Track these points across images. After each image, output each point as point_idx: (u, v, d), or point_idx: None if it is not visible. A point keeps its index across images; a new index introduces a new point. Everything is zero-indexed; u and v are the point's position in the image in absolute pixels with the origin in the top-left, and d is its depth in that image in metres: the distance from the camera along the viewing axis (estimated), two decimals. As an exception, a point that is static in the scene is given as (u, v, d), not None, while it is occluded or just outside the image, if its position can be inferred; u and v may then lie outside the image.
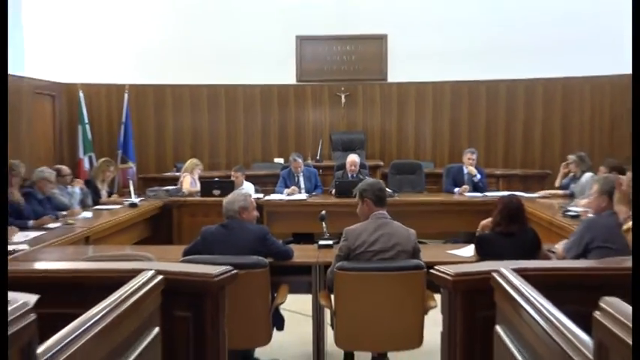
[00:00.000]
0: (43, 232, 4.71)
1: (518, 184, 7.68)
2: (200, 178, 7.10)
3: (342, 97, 9.24)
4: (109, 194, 6.92)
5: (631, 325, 1.30)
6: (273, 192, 7.08)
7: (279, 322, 3.77)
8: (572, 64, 8.85)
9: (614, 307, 1.40)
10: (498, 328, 2.26)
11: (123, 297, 2.06)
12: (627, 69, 8.85)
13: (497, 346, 2.26)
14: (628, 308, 1.39)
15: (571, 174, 6.62)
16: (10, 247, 4.02)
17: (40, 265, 3.57)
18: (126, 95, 8.82)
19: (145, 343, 2.18)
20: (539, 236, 3.72)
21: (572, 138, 9.08)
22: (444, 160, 8.83)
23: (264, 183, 7.54)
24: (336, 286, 3.45)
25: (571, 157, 6.60)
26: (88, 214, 5.72)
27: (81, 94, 8.71)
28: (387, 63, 9.23)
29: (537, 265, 2.75)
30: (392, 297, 3.40)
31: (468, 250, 3.98)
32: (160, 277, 2.39)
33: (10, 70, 7.44)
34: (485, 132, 9.23)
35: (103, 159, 7.24)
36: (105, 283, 2.22)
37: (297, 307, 4.31)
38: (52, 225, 5.00)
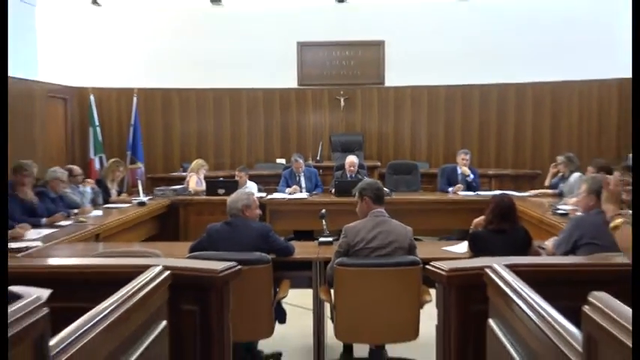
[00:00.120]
0: (56, 230, 4.71)
1: (510, 184, 7.68)
2: (205, 177, 7.10)
3: (342, 100, 9.24)
4: (119, 193, 6.92)
5: (619, 320, 1.30)
6: (276, 191, 7.08)
7: (281, 316, 3.77)
8: (561, 68, 8.87)
9: (603, 302, 1.40)
10: (491, 322, 2.26)
11: (132, 291, 2.06)
12: (614, 74, 8.91)
13: (490, 339, 2.26)
14: (616, 303, 1.39)
15: (560, 174, 6.62)
16: (23, 244, 4.03)
17: (52, 261, 3.57)
18: (135, 99, 8.82)
19: (153, 335, 2.18)
20: (530, 233, 3.72)
21: (560, 139, 9.08)
22: (438, 161, 8.83)
23: (266, 182, 7.54)
24: (336, 281, 3.45)
25: (560, 158, 6.60)
26: (98, 212, 5.73)
27: (92, 98, 8.71)
28: (384, 68, 9.23)
29: (528, 261, 2.75)
30: (389, 291, 3.40)
31: (462, 247, 3.98)
32: (168, 272, 2.39)
33: (24, 75, 7.49)
34: (478, 134, 9.24)
35: (113, 159, 7.24)
36: (114, 279, 2.22)
37: (298, 301, 4.31)
38: (64, 223, 5.00)
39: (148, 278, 2.24)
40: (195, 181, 6.99)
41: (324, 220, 4.32)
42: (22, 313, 1.38)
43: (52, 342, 1.52)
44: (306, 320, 4.14)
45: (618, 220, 1.93)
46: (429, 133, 9.29)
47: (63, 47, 8.76)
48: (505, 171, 8.56)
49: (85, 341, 1.64)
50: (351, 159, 7.15)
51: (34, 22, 7.94)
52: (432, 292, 3.12)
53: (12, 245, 3.97)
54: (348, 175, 7.00)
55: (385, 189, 4.24)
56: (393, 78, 9.20)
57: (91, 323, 1.72)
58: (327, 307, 3.75)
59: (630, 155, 8.15)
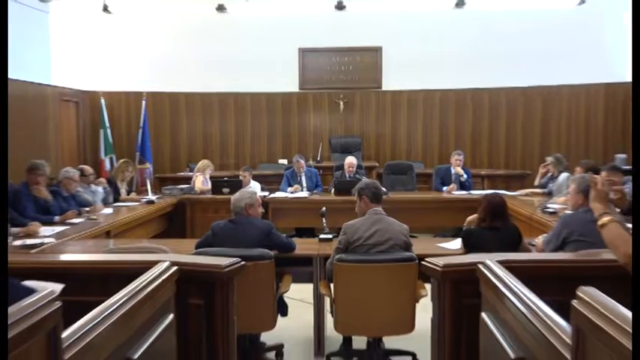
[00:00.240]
0: (68, 227, 4.71)
1: (501, 183, 7.67)
2: (211, 177, 7.09)
3: (341, 103, 9.23)
4: (128, 192, 6.91)
5: (606, 313, 1.30)
6: (278, 190, 7.07)
7: (283, 309, 3.77)
8: (550, 74, 8.87)
9: (591, 296, 1.40)
10: (483, 315, 2.26)
11: (141, 286, 2.06)
12: (600, 79, 8.88)
13: (483, 332, 2.26)
14: (603, 297, 1.39)
15: (549, 174, 6.61)
16: (37, 240, 4.02)
17: (65, 257, 3.58)
18: (143, 102, 8.82)
19: (161, 328, 2.18)
20: (521, 231, 3.71)
21: (550, 141, 9.08)
22: (433, 161, 8.83)
23: (269, 182, 7.53)
24: (335, 276, 3.45)
25: (549, 159, 6.60)
26: (109, 210, 5.72)
27: (102, 101, 8.71)
28: (381, 73, 9.22)
29: (519, 257, 2.75)
30: (386, 286, 3.40)
31: (456, 244, 3.98)
32: (175, 267, 2.39)
33: (38, 79, 7.49)
34: (471, 136, 9.23)
35: (123, 160, 7.24)
36: (124, 273, 2.22)
37: (299, 295, 4.31)
38: (76, 220, 5.00)
39: (156, 273, 2.24)
40: (201, 181, 6.98)
41: (324, 218, 4.31)
42: (36, 306, 1.38)
43: (65, 334, 1.52)
44: (306, 313, 4.14)
45: (605, 218, 1.93)
46: (425, 135, 9.29)
47: (75, 53, 8.76)
48: (497, 171, 8.56)
49: (96, 333, 1.64)
50: (350, 160, 7.15)
51: (48, 29, 7.94)
52: (427, 286, 3.12)
53: (26, 241, 3.98)
54: (347, 175, 7.00)
55: (382, 188, 4.24)
56: (390, 82, 9.20)
57: (102, 316, 1.72)
58: (327, 301, 3.74)
59: (616, 156, 8.18)
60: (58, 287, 2.01)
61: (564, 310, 1.54)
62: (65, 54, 8.44)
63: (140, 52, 9.13)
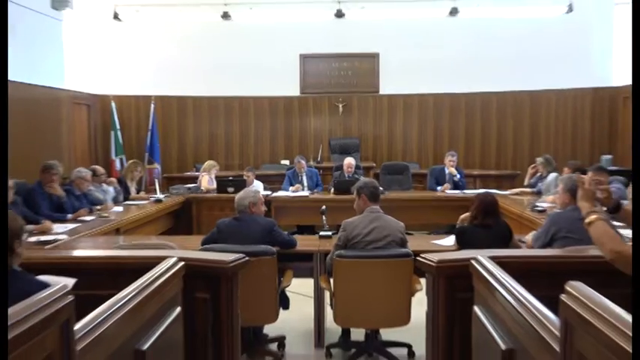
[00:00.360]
0: (80, 224, 4.70)
1: (493, 183, 7.67)
2: (216, 177, 7.09)
3: (340, 107, 9.23)
4: (138, 191, 6.91)
5: (593, 307, 1.30)
6: (280, 189, 7.07)
7: (285, 303, 3.77)
8: (539, 78, 8.87)
9: (578, 290, 1.40)
10: (476, 308, 2.26)
11: (149, 280, 2.06)
12: (587, 83, 8.89)
13: (475, 324, 2.26)
14: (591, 291, 1.38)
15: (538, 174, 6.61)
16: (51, 237, 4.03)
17: (77, 253, 3.57)
18: (152, 105, 8.81)
19: (169, 320, 2.18)
20: (511, 228, 3.71)
21: (539, 143, 9.08)
22: (428, 162, 8.82)
23: (272, 181, 7.53)
24: (335, 271, 3.45)
25: (539, 159, 6.59)
26: (119, 208, 5.71)
27: (113, 104, 8.70)
28: (378, 78, 9.22)
29: (510, 253, 2.75)
30: (383, 281, 3.40)
31: (450, 240, 3.97)
32: (182, 263, 2.39)
33: (52, 83, 7.48)
34: (464, 137, 9.23)
35: (132, 160, 7.23)
36: (134, 269, 2.22)
37: (300, 289, 4.30)
38: (87, 218, 4.99)
39: (164, 268, 2.24)
40: (207, 180, 6.98)
41: (324, 216, 4.31)
42: (49, 300, 1.38)
43: (77, 326, 1.52)
44: (307, 307, 4.14)
45: (592, 216, 1.93)
46: (420, 136, 9.29)
47: (87, 59, 8.75)
48: (488, 171, 8.55)
49: (107, 325, 1.64)
50: (349, 160, 7.15)
51: (61, 35, 7.93)
52: (423, 281, 3.11)
53: (41, 238, 3.98)
54: (346, 175, 7.00)
55: (380, 188, 4.24)
56: (387, 87, 9.20)
57: (113, 309, 1.72)
58: (327, 294, 3.74)
59: (602, 157, 8.18)
60: (70, 282, 2.02)
61: (553, 304, 1.54)
62: (78, 60, 8.44)
63: (149, 57, 9.13)
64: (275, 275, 3.55)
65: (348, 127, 9.30)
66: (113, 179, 6.52)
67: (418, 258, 2.75)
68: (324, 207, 4.39)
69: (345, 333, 3.94)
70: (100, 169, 6.29)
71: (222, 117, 9.33)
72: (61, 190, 5.10)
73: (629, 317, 1.19)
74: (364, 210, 3.60)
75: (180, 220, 6.57)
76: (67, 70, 8.07)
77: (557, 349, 1.46)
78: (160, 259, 2.36)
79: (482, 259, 2.26)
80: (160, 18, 8.19)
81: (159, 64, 9.08)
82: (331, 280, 3.55)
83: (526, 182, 6.88)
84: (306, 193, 6.92)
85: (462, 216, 4.02)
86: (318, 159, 8.69)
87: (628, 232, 2.74)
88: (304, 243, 4.07)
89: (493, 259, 2.25)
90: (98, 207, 5.45)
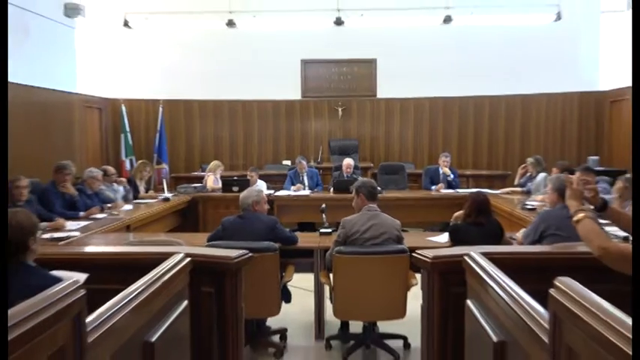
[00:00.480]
0: (92, 222, 4.70)
1: (485, 183, 7.66)
2: (221, 177, 7.08)
3: (339, 110, 9.23)
4: (147, 190, 6.91)
5: (581, 301, 1.29)
6: (282, 189, 7.07)
7: (286, 296, 3.77)
8: (529, 83, 8.88)
9: (567, 286, 1.40)
10: (469, 302, 2.25)
11: (157, 275, 2.06)
12: (575, 88, 8.87)
13: (468, 317, 2.25)
14: (578, 286, 1.38)
15: (528, 174, 6.60)
16: (64, 234, 4.03)
17: (89, 249, 3.57)
18: (160, 108, 8.82)
19: (176, 313, 2.18)
20: (502, 226, 3.71)
21: (529, 144, 9.07)
22: (423, 162, 8.82)
23: (274, 181, 7.53)
24: (334, 266, 3.45)
25: (529, 160, 6.58)
26: (129, 206, 5.71)
27: (123, 108, 8.70)
28: (376, 82, 9.22)
29: (501, 249, 2.75)
30: (380, 276, 3.39)
31: (444, 237, 3.97)
32: (189, 259, 2.39)
33: (65, 88, 7.49)
34: (458, 139, 9.23)
35: (141, 161, 7.23)
36: (143, 264, 2.22)
37: (301, 284, 4.30)
38: (99, 215, 4.99)
39: (172, 264, 2.24)
40: (212, 180, 6.98)
41: (324, 214, 4.31)
42: (62, 294, 1.38)
43: (89, 319, 1.52)
44: (308, 300, 4.14)
45: (580, 215, 1.92)
46: (415, 138, 9.28)
47: (98, 64, 8.75)
48: (481, 171, 8.55)
49: (117, 318, 1.64)
50: (348, 161, 7.14)
51: (74, 42, 7.93)
52: (418, 276, 3.11)
53: (54, 235, 3.98)
54: (345, 175, 6.99)
55: (377, 187, 4.24)
56: (384, 91, 9.19)
57: (123, 303, 1.72)
58: (327, 289, 3.74)
59: (589, 158, 8.17)
60: (82, 276, 2.02)
61: (542, 298, 1.53)
62: (89, 65, 8.44)
63: (157, 63, 9.13)
64: (277, 270, 3.54)
65: (347, 129, 9.30)
66: (123, 179, 6.51)
67: (414, 254, 2.74)
68: (324, 205, 4.39)
69: (344, 325, 3.94)
70: (110, 169, 6.29)
71: (226, 119, 9.33)
72: (73, 189, 5.10)
73: (615, 311, 1.19)
74: (362, 208, 3.60)
75: (187, 218, 6.57)
76: (80, 75, 8.07)
77: (547, 341, 1.45)
78: (167, 255, 2.36)
79: (475, 255, 2.26)
80: (168, 25, 8.19)
81: (167, 70, 9.08)
82: (331, 275, 3.55)
83: (516, 182, 6.88)
84: (306, 192, 6.92)
85: (456, 214, 4.01)
86: (319, 159, 8.68)
87: (614, 230, 2.74)
88: (305, 240, 4.07)
89: (485, 255, 2.25)
90: (109, 205, 5.45)
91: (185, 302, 2.30)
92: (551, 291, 1.44)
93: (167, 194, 6.43)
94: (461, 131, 9.22)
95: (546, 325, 1.47)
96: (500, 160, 9.15)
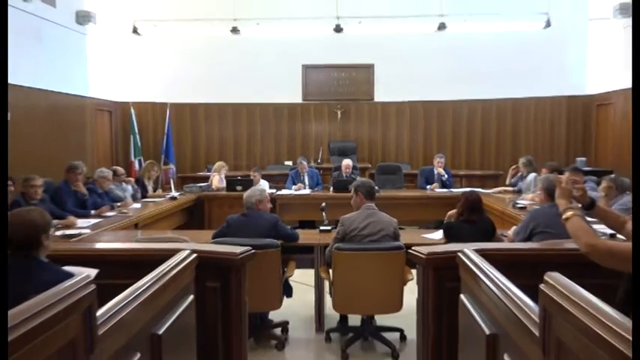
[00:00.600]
0: (102, 219, 4.70)
1: (477, 182, 7.66)
2: (226, 176, 7.08)
3: (338, 113, 9.22)
4: (154, 190, 6.91)
5: (570, 295, 1.29)
6: (284, 188, 7.07)
7: (288, 291, 3.77)
8: (520, 87, 8.86)
9: (556, 280, 1.39)
10: (462, 297, 2.25)
11: (165, 271, 2.05)
12: (564, 92, 8.88)
13: (462, 311, 2.25)
14: (567, 281, 1.38)
15: (519, 173, 6.60)
16: (75, 231, 4.02)
17: (100, 245, 3.56)
18: (168, 111, 8.81)
19: (183, 307, 2.17)
20: (494, 223, 3.70)
21: (519, 145, 9.06)
22: (418, 163, 8.81)
23: (276, 181, 7.52)
24: (334, 262, 3.45)
25: (521, 160, 6.56)
26: (137, 205, 5.70)
27: (132, 110, 8.70)
28: (373, 86, 9.21)
29: (493, 246, 2.74)
30: (378, 271, 3.39)
31: (438, 235, 3.97)
32: (195, 255, 2.39)
33: (77, 92, 7.48)
34: (451, 141, 9.22)
35: (149, 161, 7.23)
36: (150, 260, 2.21)
37: (302, 279, 4.30)
38: (109, 214, 4.99)
39: (178, 260, 2.23)
40: (217, 180, 6.97)
41: (324, 212, 4.31)
42: (74, 288, 1.38)
43: (99, 312, 1.52)
44: (308, 295, 4.14)
45: (569, 213, 1.92)
46: (411, 140, 9.27)
47: (109, 69, 8.75)
48: (473, 172, 8.54)
49: (126, 312, 1.64)
50: (347, 162, 7.14)
51: (85, 48, 7.93)
52: (414, 271, 3.11)
53: (66, 232, 3.97)
54: (344, 175, 6.99)
55: (375, 187, 4.23)
56: (381, 95, 9.19)
57: (131, 297, 1.72)
58: (327, 284, 3.74)
59: (577, 159, 8.17)
60: (93, 272, 2.01)
61: (533, 293, 1.53)
62: (100, 70, 8.44)
63: (165, 68, 9.13)
64: (279, 266, 3.54)
65: (345, 132, 9.29)
66: (131, 178, 6.51)
67: (410, 250, 2.74)
68: (323, 204, 4.39)
69: (343, 319, 3.93)
70: (120, 169, 6.29)
71: (231, 122, 9.32)
72: (84, 188, 5.10)
73: (602, 305, 1.18)
74: (361, 207, 3.59)
75: (193, 216, 6.57)
76: (91, 80, 8.07)
77: (537, 333, 1.45)
78: (174, 252, 2.35)
79: (468, 251, 2.26)
80: (175, 32, 8.19)
81: (174, 74, 9.07)
82: (330, 271, 3.55)
83: (508, 182, 6.87)
84: (307, 191, 6.91)
85: (450, 212, 4.00)
86: (319, 160, 8.68)
87: (601, 228, 2.74)
88: (306, 237, 4.07)
89: (478, 251, 2.25)
90: (118, 204, 5.44)
91: (191, 296, 2.30)
92: (541, 286, 1.43)
93: (174, 193, 6.42)
94: (454, 133, 9.21)
95: (536, 319, 1.47)
96: (492, 160, 9.14)
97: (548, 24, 7.49)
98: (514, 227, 3.64)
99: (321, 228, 4.25)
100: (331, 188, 6.75)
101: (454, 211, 3.84)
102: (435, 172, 7.08)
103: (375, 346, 3.74)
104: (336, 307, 3.57)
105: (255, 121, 9.31)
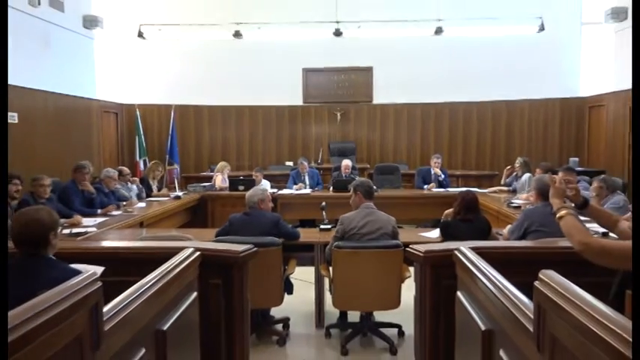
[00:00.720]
0: (108, 218, 4.70)
1: (473, 182, 7.66)
2: (228, 176, 7.08)
3: (338, 115, 9.21)
4: (159, 189, 6.90)
5: (564, 292, 1.29)
6: (285, 188, 7.06)
7: (289, 288, 3.76)
8: (514, 89, 8.86)
9: (550, 278, 1.39)
10: (459, 294, 2.25)
11: (169, 268, 2.05)
12: (557, 94, 8.88)
13: (458, 307, 2.25)
14: (561, 279, 1.37)
15: (514, 173, 6.59)
16: (82, 230, 4.02)
17: (106, 243, 3.56)
18: (172, 113, 8.81)
19: (187, 304, 2.17)
20: (490, 222, 3.70)
21: (514, 146, 9.06)
22: (416, 163, 8.81)
23: (277, 180, 7.51)
24: (333, 260, 3.44)
25: (519, 160, 6.54)
26: (142, 204, 5.70)
27: (138, 112, 8.70)
28: (372, 89, 9.21)
29: (489, 244, 2.73)
30: (376, 269, 3.39)
31: (435, 233, 3.96)
32: (198, 253, 2.38)
33: (84, 94, 7.49)
34: (448, 141, 9.22)
35: (154, 161, 7.22)
36: (155, 258, 2.21)
37: (303, 276, 4.30)
38: (115, 212, 4.99)
39: (182, 258, 2.23)
40: (220, 180, 6.97)
41: (324, 211, 4.30)
42: (80, 285, 1.37)
43: (105, 308, 1.51)
44: (309, 292, 4.13)
45: (563, 212, 1.91)
46: (408, 141, 9.27)
47: (115, 72, 8.76)
48: (469, 172, 8.54)
49: (131, 308, 1.63)
50: (346, 162, 7.13)
51: (93, 51, 7.93)
52: (411, 269, 3.11)
53: (73, 230, 3.97)
54: (344, 175, 6.98)
55: (374, 186, 4.22)
56: (380, 97, 9.19)
57: (137, 294, 1.71)
58: (327, 281, 3.74)
59: (570, 159, 8.16)
60: (99, 269, 2.01)
61: (527, 290, 1.53)
62: (107, 73, 8.44)
63: (169, 70, 9.13)
64: (280, 264, 3.54)
65: (345, 133, 9.29)
66: (136, 178, 6.51)
67: (407, 249, 2.74)
68: (324, 203, 4.38)
69: (343, 315, 3.93)
70: (125, 169, 6.28)
71: (233, 123, 9.32)
72: (91, 187, 5.09)
73: (595, 301, 1.18)
74: (360, 206, 3.59)
75: (196, 215, 6.56)
76: (98, 82, 8.07)
77: (532, 329, 1.45)
78: (178, 250, 2.35)
79: (465, 249, 2.25)
80: (179, 36, 8.19)
81: (178, 77, 9.07)
82: (330, 268, 3.54)
83: (503, 182, 6.86)
84: (308, 190, 6.91)
85: (446, 211, 4.00)
86: (319, 161, 8.67)
87: (594, 226, 2.73)
88: (306, 235, 4.06)
89: (474, 249, 2.24)
90: (124, 203, 5.44)
91: (195, 293, 2.30)
92: (536, 283, 1.43)
93: (178, 193, 6.42)
94: (451, 134, 9.21)
95: (531, 315, 1.47)
96: (488, 161, 9.14)
97: (542, 28, 7.49)
98: (509, 226, 3.64)
99: (321, 227, 4.25)
100: (331, 188, 6.75)
101: (451, 210, 3.84)
102: (432, 172, 7.08)
103: (373, 341, 3.73)
104: (335, 304, 3.57)
105: (257, 122, 9.31)
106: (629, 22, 7.28)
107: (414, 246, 2.65)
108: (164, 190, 7.01)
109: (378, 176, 7.65)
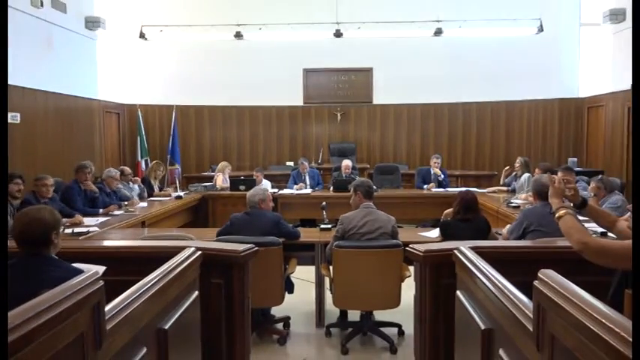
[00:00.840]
0: (110, 218, 4.70)
1: (473, 182, 7.66)
2: (229, 176, 7.08)
3: (338, 115, 9.21)
4: (160, 189, 6.89)
5: (563, 292, 1.28)
6: (286, 187, 7.06)
7: (290, 287, 3.76)
8: (513, 90, 8.86)
9: (550, 277, 1.39)
10: (458, 293, 2.24)
11: (171, 267, 2.05)
12: (556, 94, 8.88)
13: (458, 306, 2.24)
14: (560, 278, 1.37)
15: (513, 173, 6.59)
16: (84, 229, 4.02)
17: (108, 243, 3.55)
18: (174, 113, 8.81)
19: (188, 303, 2.17)
20: (489, 222, 3.70)
21: (513, 146, 9.05)
22: (415, 163, 8.81)
23: (278, 180, 7.51)
24: (334, 259, 3.44)
25: (519, 160, 6.53)
26: (144, 204, 5.71)
27: (139, 112, 8.69)
28: (372, 90, 9.20)
29: (488, 244, 2.73)
30: (376, 268, 3.38)
31: (435, 233, 3.96)
32: (199, 252, 2.38)
33: (87, 94, 7.49)
34: (447, 142, 9.21)
35: (155, 161, 7.22)
36: (157, 257, 2.21)
37: (303, 275, 4.29)
38: (116, 212, 4.99)
39: (184, 257, 2.23)
40: (221, 179, 6.97)
41: (324, 211, 4.30)
42: (83, 285, 1.37)
43: (107, 307, 1.51)
44: (309, 291, 4.13)
45: (562, 211, 1.91)
46: (408, 141, 9.27)
47: (117, 72, 8.76)
48: (469, 172, 8.54)
49: (133, 307, 1.63)
50: (346, 162, 7.13)
51: (95, 53, 7.93)
52: (411, 268, 3.10)
53: (75, 230, 3.97)
54: (344, 175, 6.98)
55: (374, 186, 4.22)
56: (380, 98, 9.18)
57: (138, 293, 1.71)
58: (327, 280, 3.73)
59: (569, 159, 8.16)
60: (101, 268, 2.01)
61: (527, 289, 1.53)
62: (109, 73, 8.44)
63: (171, 71, 9.13)
64: (281, 263, 3.54)
65: (345, 133, 9.29)
66: (138, 178, 6.51)
67: (407, 248, 2.73)
68: (324, 203, 4.38)
69: (343, 314, 3.93)
70: (127, 169, 6.28)
71: (234, 124, 9.32)
72: (94, 187, 5.10)
73: (594, 301, 1.18)
74: (359, 206, 3.59)
75: (197, 215, 6.56)
76: (100, 83, 8.07)
77: (531, 328, 1.45)
78: (180, 249, 2.35)
79: (464, 249, 2.25)
80: (181, 37, 8.19)
81: (180, 77, 9.07)
82: (330, 268, 3.54)
83: (502, 182, 6.86)
84: (308, 190, 6.91)
85: (446, 211, 4.00)
86: (319, 161, 8.67)
87: (593, 226, 2.73)
88: (307, 235, 4.06)
89: (473, 249, 2.24)
90: (126, 203, 5.44)
91: (196, 292, 2.30)
92: (535, 282, 1.43)
93: (179, 192, 6.42)
94: (450, 135, 9.20)
95: (530, 314, 1.47)
96: (487, 161, 9.13)
97: (540, 29, 7.48)
98: (508, 226, 3.64)
99: (322, 226, 4.24)
100: (331, 188, 6.75)
101: (450, 210, 3.84)
102: (432, 172, 7.08)
103: (373, 340, 3.73)
104: (336, 303, 3.57)
105: (257, 123, 9.31)
106: (627, 24, 7.28)
107: (414, 245, 2.65)
108: (167, 190, 6.99)
109: (378, 176, 7.65)
